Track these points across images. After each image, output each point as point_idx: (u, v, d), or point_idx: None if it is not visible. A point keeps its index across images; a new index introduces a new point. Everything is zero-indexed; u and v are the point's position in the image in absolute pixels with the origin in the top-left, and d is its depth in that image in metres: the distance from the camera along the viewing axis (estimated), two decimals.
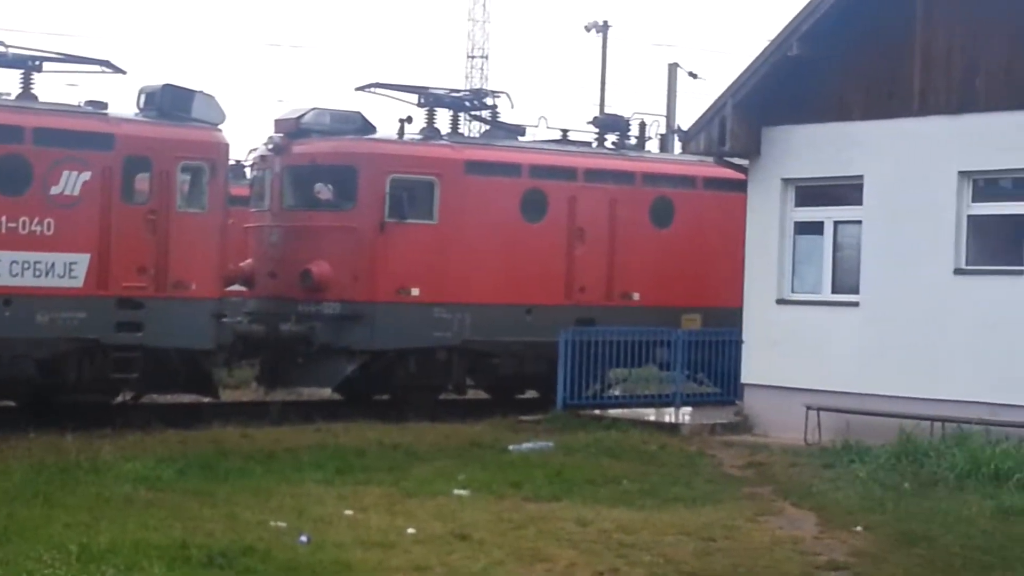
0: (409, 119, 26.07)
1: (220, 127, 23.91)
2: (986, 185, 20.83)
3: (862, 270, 21.55)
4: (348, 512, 15.19)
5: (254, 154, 26.71)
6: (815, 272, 22.45)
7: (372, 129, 25.77)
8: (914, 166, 20.96)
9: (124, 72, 24.31)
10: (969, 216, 20.55)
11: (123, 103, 24.16)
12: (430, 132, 26.33)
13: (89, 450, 18.18)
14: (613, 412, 23.68)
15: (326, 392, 26.30)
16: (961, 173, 20.54)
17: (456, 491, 16.75)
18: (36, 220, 21.83)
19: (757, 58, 22.29)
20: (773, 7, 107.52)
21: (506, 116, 28.16)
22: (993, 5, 20.14)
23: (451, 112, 27.17)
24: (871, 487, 17.12)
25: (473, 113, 28.40)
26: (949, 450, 18.23)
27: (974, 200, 20.61)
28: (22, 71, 22.91)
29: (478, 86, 61.79)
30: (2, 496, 15.01)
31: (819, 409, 21.03)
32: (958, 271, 20.46)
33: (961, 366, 20.13)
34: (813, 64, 21.80)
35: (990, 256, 20.48)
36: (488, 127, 28.67)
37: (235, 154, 27.45)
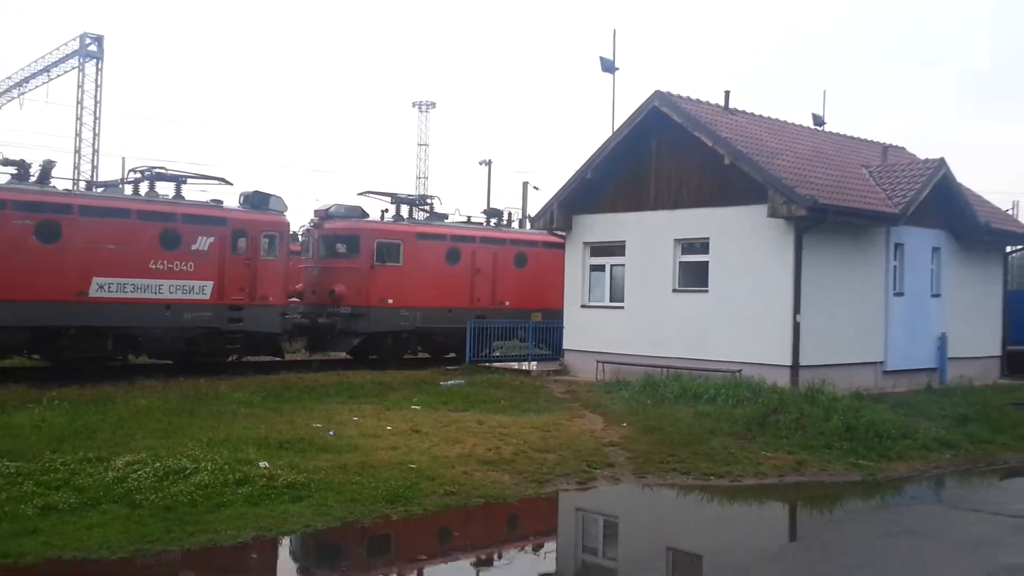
0: (387, 210, 25.93)
1: (285, 213, 23.55)
2: (687, 246, 21.01)
3: (625, 290, 21.56)
4: (355, 418, 15.13)
5: (303, 228, 26.35)
6: (600, 290, 22.46)
7: (366, 215, 25.57)
8: (652, 236, 21.06)
9: (231, 184, 23.89)
10: (680, 262, 20.75)
11: (231, 199, 23.77)
12: (397, 217, 26.13)
13: (213, 387, 17.82)
14: (496, 364, 23.53)
15: (342, 354, 25.91)
16: (675, 240, 20.71)
17: (413, 407, 16.70)
18: (184, 263, 21.29)
19: (570, 179, 22.31)
20: (581, 146, 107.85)
21: (437, 208, 28.03)
22: (691, 152, 20.38)
23: (408, 206, 26.99)
24: (631, 403, 17.27)
25: (419, 206, 28.21)
26: (670, 383, 18.34)
27: (682, 254, 20.79)
28: (175, 183, 22.36)
29: (422, 191, 61.22)
30: (166, 410, 14.66)
31: (603, 362, 21.11)
32: (674, 290, 20.62)
33: (676, 340, 20.25)
34: (599, 181, 21.90)
35: (690, 282, 20.67)
36: (428, 214, 28.54)
37: (294, 227, 27.08)
